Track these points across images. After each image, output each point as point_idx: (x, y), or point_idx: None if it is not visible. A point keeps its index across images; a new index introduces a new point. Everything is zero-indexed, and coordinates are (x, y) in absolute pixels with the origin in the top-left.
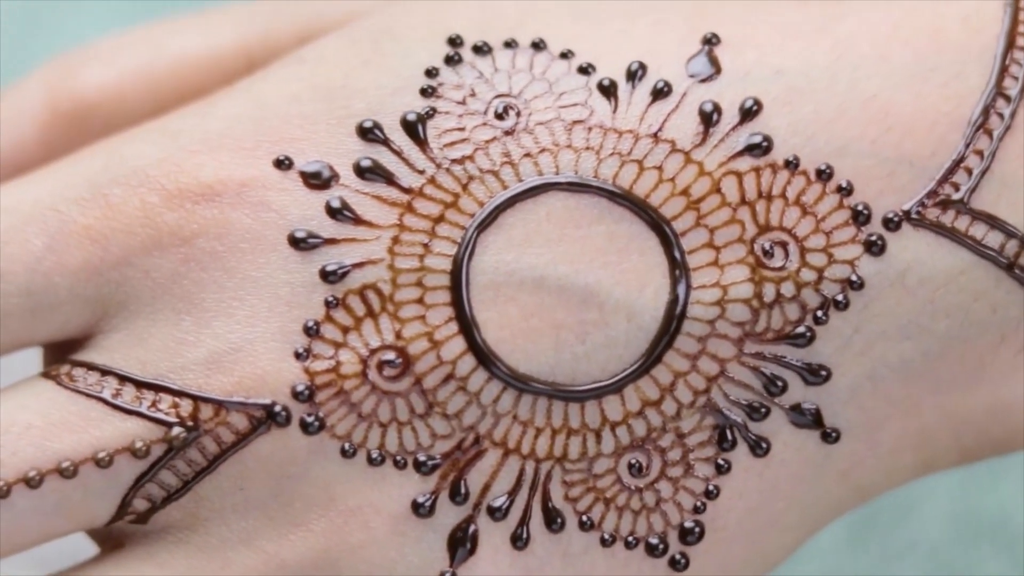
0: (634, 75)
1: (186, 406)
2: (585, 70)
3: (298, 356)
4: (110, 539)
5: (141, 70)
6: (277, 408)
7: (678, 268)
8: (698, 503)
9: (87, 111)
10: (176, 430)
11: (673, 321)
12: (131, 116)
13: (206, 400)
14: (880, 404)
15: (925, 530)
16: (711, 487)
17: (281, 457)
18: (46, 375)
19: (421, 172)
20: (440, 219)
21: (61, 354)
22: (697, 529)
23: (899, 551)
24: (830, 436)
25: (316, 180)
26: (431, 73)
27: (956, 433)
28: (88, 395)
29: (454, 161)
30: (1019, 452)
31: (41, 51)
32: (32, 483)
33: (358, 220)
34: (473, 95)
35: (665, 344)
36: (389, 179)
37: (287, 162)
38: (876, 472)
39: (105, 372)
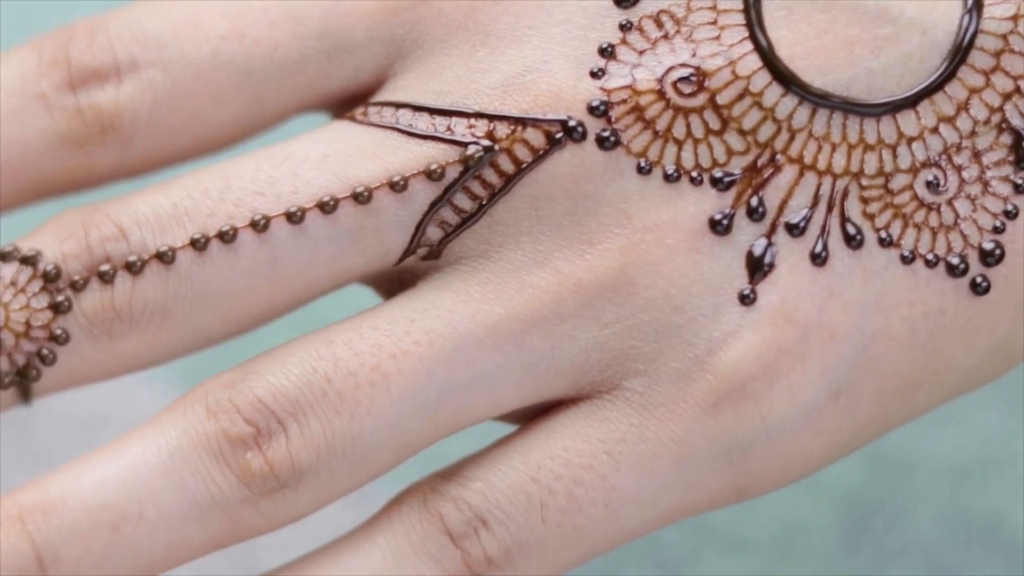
0: None
1: (482, 126)
2: None
3: (593, 75)
4: (401, 284)
5: None
6: (573, 123)
7: None
8: (997, 223)
9: None
10: (472, 148)
11: (966, 35)
12: None
13: (502, 118)
14: None
15: (918, 532)
16: (1010, 206)
17: (577, 174)
18: (340, 117)
19: None
20: None
21: None
22: (998, 250)
23: (893, 553)
24: None
25: None
26: None
27: None
28: (383, 126)
29: None
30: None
31: None
32: (326, 208)
33: None
34: None
35: (959, 59)
36: None
37: None
38: None
39: (399, 106)
